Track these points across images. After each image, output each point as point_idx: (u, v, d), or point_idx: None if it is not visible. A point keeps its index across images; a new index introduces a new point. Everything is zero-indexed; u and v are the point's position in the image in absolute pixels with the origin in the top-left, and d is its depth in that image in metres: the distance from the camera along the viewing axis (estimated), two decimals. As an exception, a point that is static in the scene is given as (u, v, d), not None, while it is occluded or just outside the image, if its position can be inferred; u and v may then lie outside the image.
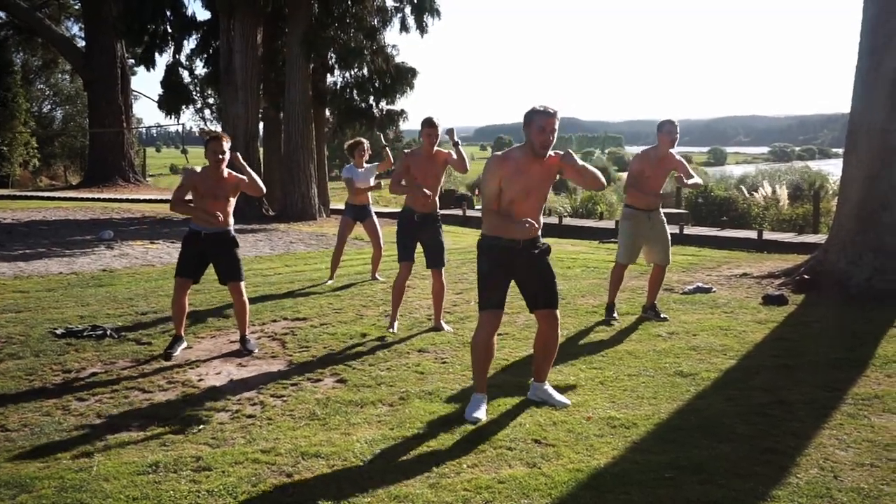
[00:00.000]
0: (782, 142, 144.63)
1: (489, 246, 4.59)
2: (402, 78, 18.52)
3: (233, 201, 5.98)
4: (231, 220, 5.99)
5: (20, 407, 4.64)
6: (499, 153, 4.59)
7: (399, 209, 7.38)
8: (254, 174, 5.99)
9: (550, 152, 4.50)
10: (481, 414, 4.46)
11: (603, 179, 4.60)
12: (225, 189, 5.89)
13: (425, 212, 6.57)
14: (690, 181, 6.79)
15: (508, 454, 3.94)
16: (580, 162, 4.55)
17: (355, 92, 18.79)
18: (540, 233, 4.61)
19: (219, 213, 5.82)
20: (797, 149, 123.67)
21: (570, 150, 4.63)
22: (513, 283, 4.66)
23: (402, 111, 19.23)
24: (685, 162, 7.11)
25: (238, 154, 5.94)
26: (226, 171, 5.88)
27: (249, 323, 6.59)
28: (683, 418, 4.46)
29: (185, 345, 5.99)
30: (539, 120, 4.40)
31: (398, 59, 18.74)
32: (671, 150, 6.90)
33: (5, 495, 3.44)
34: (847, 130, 8.82)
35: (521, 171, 4.46)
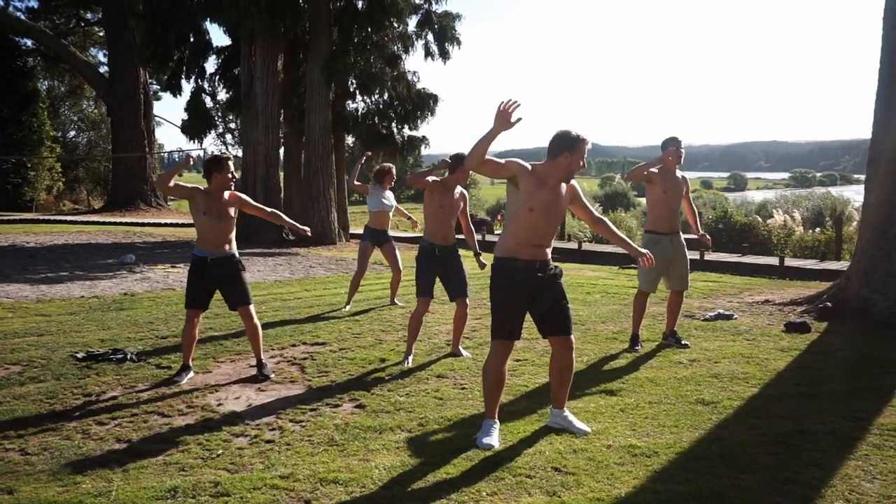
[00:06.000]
0: (803, 167, 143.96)
1: (505, 268, 4.56)
2: (423, 104, 18.77)
3: (234, 221, 5.90)
4: (234, 245, 5.92)
5: (41, 430, 4.66)
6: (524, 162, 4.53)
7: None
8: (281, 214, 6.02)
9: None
10: (493, 441, 4.42)
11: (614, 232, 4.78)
12: (229, 208, 5.84)
13: (446, 244, 6.49)
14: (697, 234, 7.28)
15: (528, 482, 3.91)
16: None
17: (377, 118, 18.98)
18: (550, 255, 4.60)
19: (307, 229, 6.01)
20: (818, 174, 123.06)
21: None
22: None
23: (424, 137, 19.42)
24: (689, 185, 7.26)
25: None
26: (226, 193, 5.86)
27: (269, 347, 6.59)
28: (705, 447, 4.41)
29: (191, 374, 5.97)
30: (583, 147, 4.45)
31: (420, 86, 18.98)
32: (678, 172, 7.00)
33: (25, 519, 3.45)
34: (868, 157, 8.77)
35: (545, 186, 4.43)
